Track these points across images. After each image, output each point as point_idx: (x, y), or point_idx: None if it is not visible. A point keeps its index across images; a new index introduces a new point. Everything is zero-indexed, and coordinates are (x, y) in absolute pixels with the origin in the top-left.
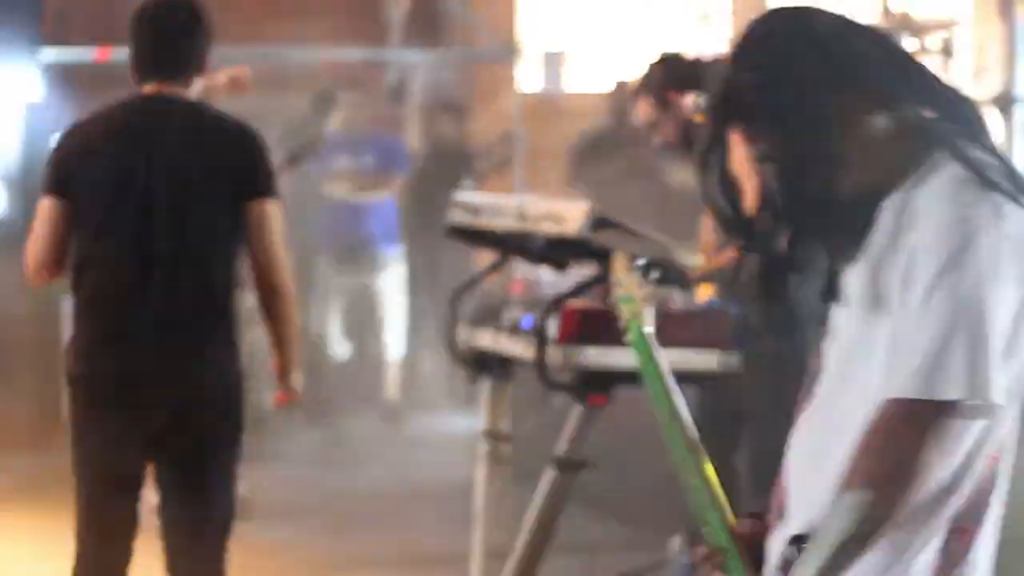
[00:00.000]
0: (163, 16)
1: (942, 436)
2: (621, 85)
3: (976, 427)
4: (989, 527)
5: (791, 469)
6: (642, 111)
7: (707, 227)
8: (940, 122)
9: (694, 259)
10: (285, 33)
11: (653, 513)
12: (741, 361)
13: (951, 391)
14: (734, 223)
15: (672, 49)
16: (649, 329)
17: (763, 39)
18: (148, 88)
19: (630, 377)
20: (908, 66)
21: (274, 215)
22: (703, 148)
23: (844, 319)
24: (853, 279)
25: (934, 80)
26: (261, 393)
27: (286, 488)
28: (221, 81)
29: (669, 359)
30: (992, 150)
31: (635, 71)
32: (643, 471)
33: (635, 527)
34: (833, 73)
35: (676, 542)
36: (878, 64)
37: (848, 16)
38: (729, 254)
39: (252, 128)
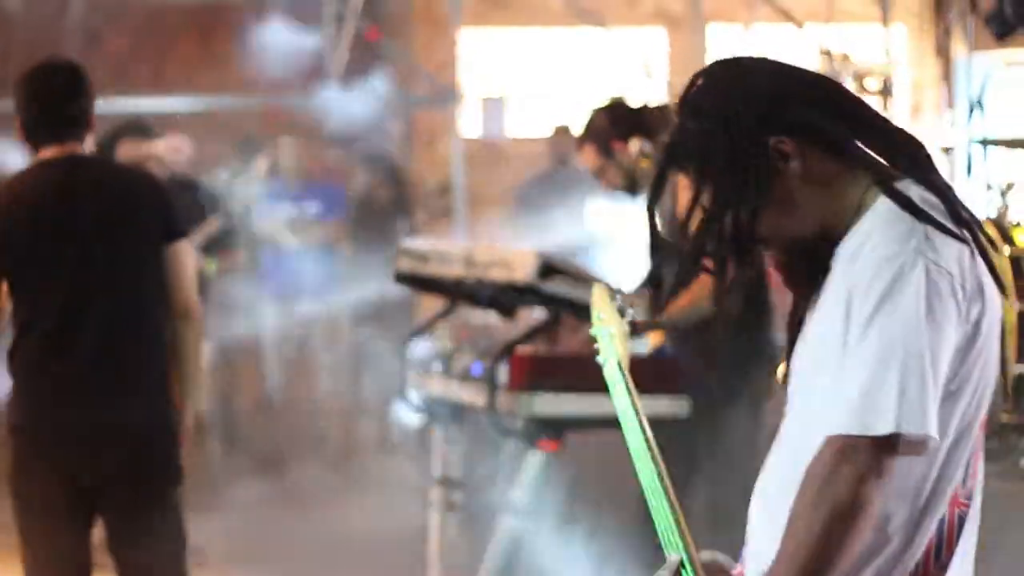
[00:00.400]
0: (46, 81)
1: (881, 473)
2: (560, 130)
3: (929, 464)
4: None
5: (750, 520)
6: (587, 158)
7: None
8: (881, 161)
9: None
10: (223, 80)
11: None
12: (691, 406)
13: (883, 425)
14: (683, 264)
15: (615, 96)
16: (625, 363)
17: (705, 88)
18: (48, 152)
19: (581, 423)
20: (849, 108)
21: (188, 253)
22: (649, 193)
23: (801, 356)
24: (812, 314)
25: (876, 120)
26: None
27: (238, 536)
28: (159, 150)
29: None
30: (937, 187)
31: (575, 116)
32: (596, 517)
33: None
34: (770, 121)
35: None
36: (816, 108)
37: (787, 63)
38: (680, 302)
39: (154, 175)
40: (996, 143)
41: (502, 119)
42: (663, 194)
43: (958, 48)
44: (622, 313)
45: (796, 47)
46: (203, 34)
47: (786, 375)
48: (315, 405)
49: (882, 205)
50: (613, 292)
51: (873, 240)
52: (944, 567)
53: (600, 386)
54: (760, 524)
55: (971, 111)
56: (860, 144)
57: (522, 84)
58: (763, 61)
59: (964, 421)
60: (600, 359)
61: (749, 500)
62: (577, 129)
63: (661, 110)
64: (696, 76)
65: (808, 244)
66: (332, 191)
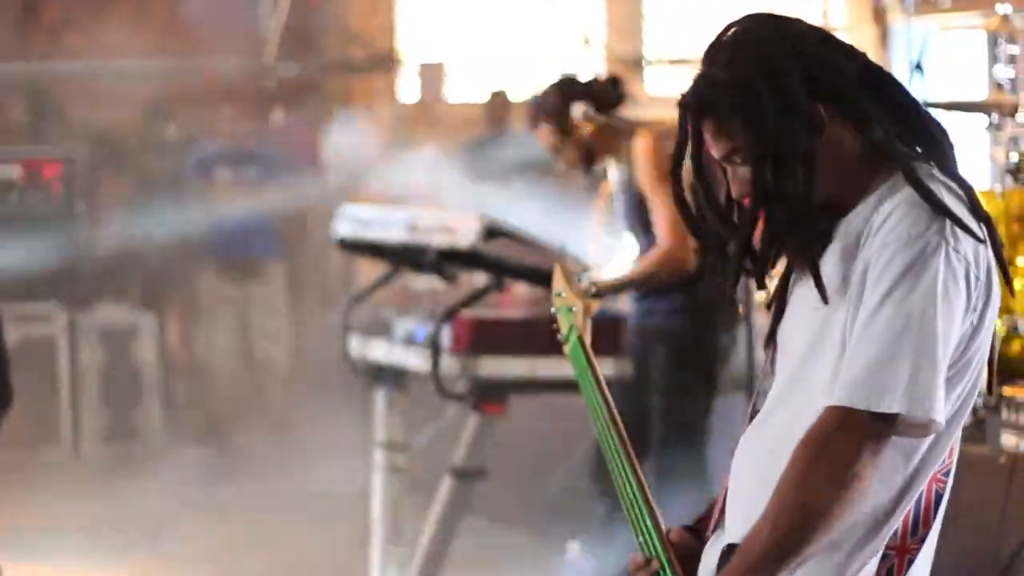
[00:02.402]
0: None
1: (879, 449)
2: (497, 95)
3: (916, 444)
4: (928, 550)
5: (733, 479)
6: (543, 137)
7: (599, 217)
8: (904, 145)
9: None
10: (160, 46)
11: (547, 521)
12: (636, 368)
13: (891, 404)
14: (703, 222)
15: (565, 73)
16: (587, 339)
17: (739, 39)
18: None
19: (525, 386)
20: (881, 85)
21: None
22: (676, 144)
23: (794, 330)
24: (806, 288)
25: (907, 101)
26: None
27: (177, 504)
28: None
29: (563, 368)
30: (954, 175)
31: (512, 81)
32: (536, 480)
33: (528, 535)
34: (810, 81)
35: (574, 548)
36: (852, 80)
37: (825, 29)
38: (645, 266)
39: None
40: (935, 106)
41: (441, 84)
42: (690, 146)
43: (895, 13)
44: (584, 290)
45: (734, 12)
46: (140, 1)
47: (770, 340)
48: (255, 370)
49: (905, 190)
50: (573, 269)
51: (895, 219)
52: (921, 541)
53: (544, 349)
54: (745, 486)
55: (910, 76)
56: (888, 123)
57: (461, 49)
58: (798, 21)
59: (955, 407)
60: (561, 337)
61: (703, 463)
62: (514, 95)
63: (612, 83)
64: (728, 27)
65: (815, 215)
66: (272, 156)
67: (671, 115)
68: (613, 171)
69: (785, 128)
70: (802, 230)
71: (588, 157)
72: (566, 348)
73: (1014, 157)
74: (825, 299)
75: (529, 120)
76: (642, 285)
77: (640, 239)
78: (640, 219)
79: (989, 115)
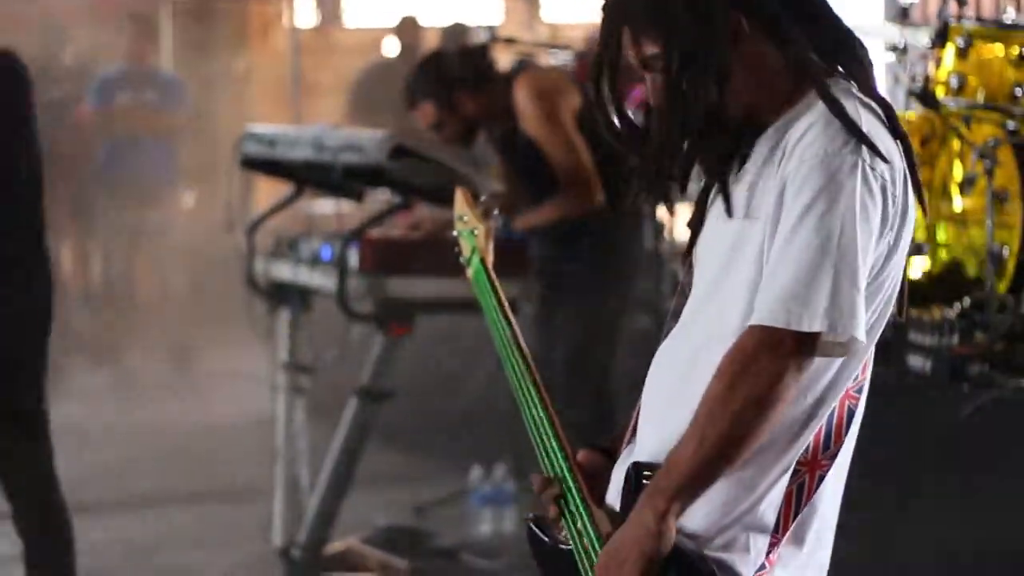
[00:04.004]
0: None
1: (801, 367)
2: (407, 21)
3: (835, 363)
4: (840, 467)
5: (646, 397)
6: (425, 115)
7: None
8: (824, 61)
9: (495, 186)
10: None
11: (450, 445)
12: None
13: (813, 322)
14: (621, 134)
15: (437, 50)
16: (490, 262)
17: None
18: None
19: (432, 306)
20: (803, 1)
21: None
22: (596, 53)
23: (711, 245)
24: (720, 204)
25: (827, 16)
26: None
27: (75, 426)
28: None
29: (468, 288)
30: (872, 92)
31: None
32: (438, 403)
33: (432, 459)
34: None
35: (475, 472)
36: None
37: None
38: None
39: None
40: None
41: (337, 9)
42: (609, 55)
43: None
44: (486, 213)
45: None
46: None
47: (687, 254)
48: (152, 295)
49: (821, 107)
50: (476, 194)
51: (812, 136)
52: (832, 456)
53: (451, 269)
54: (658, 404)
55: None
56: (808, 39)
57: None
58: None
59: (869, 325)
60: (463, 260)
61: (606, 382)
62: (424, 19)
63: (481, 51)
64: None
65: (729, 127)
66: (173, 81)
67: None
68: (497, 139)
69: (701, 36)
70: (715, 142)
71: (470, 132)
72: (468, 271)
73: (918, 81)
74: (729, 212)
75: (407, 100)
76: (552, 224)
77: (540, 193)
78: (537, 172)
79: (894, 39)
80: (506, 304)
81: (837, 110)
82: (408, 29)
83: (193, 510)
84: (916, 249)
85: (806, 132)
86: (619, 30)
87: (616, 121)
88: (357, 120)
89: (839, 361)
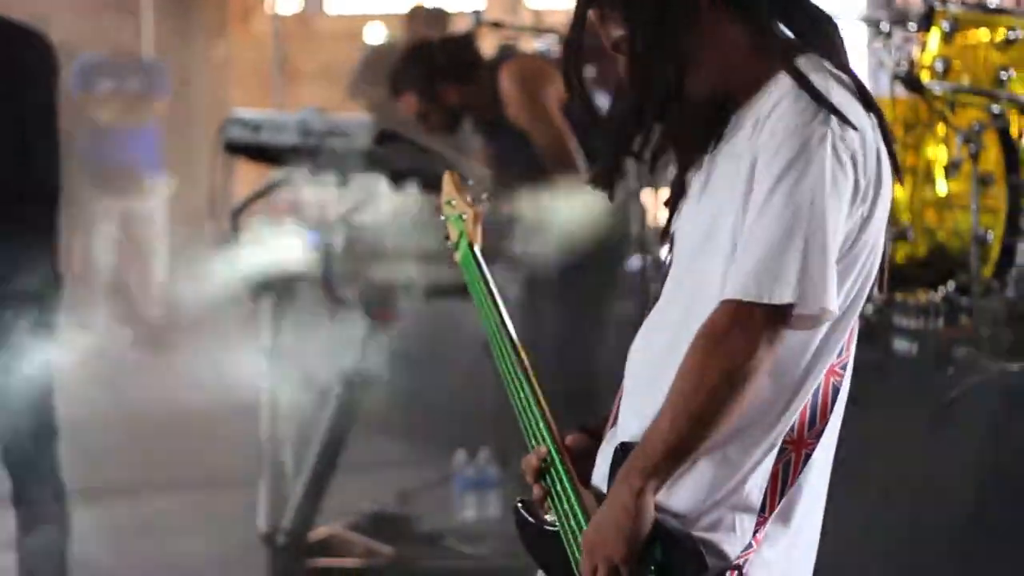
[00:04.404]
0: None
1: (773, 341)
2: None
3: (810, 336)
4: (826, 446)
5: (628, 377)
6: (408, 105)
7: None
8: (793, 37)
9: (483, 172)
10: None
11: (433, 430)
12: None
13: (783, 294)
14: (590, 115)
15: (420, 41)
16: (478, 246)
17: None
18: None
19: (416, 292)
20: None
21: None
22: (568, 32)
23: (687, 225)
24: (696, 183)
25: None
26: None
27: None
28: None
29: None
30: (844, 66)
31: None
32: (421, 388)
33: (415, 444)
34: None
35: (459, 458)
36: None
37: None
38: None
39: None
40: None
41: None
42: (579, 33)
43: None
44: (475, 198)
45: None
46: None
47: (665, 235)
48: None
49: (789, 83)
50: (464, 177)
51: (781, 110)
52: (818, 435)
53: (435, 255)
54: (640, 383)
55: None
56: (776, 15)
57: None
58: None
59: (848, 300)
60: (451, 244)
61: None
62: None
63: (466, 40)
64: None
65: (700, 107)
66: (157, 68)
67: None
68: (482, 126)
69: (661, 18)
70: (679, 124)
71: (454, 121)
72: (456, 256)
73: (903, 65)
74: (701, 192)
75: (391, 90)
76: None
77: (526, 180)
78: (522, 158)
79: (879, 23)
80: (495, 288)
81: (804, 83)
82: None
83: (177, 496)
84: (901, 234)
85: (775, 106)
86: (586, 13)
87: (581, 104)
88: (359, 101)
89: (820, 336)
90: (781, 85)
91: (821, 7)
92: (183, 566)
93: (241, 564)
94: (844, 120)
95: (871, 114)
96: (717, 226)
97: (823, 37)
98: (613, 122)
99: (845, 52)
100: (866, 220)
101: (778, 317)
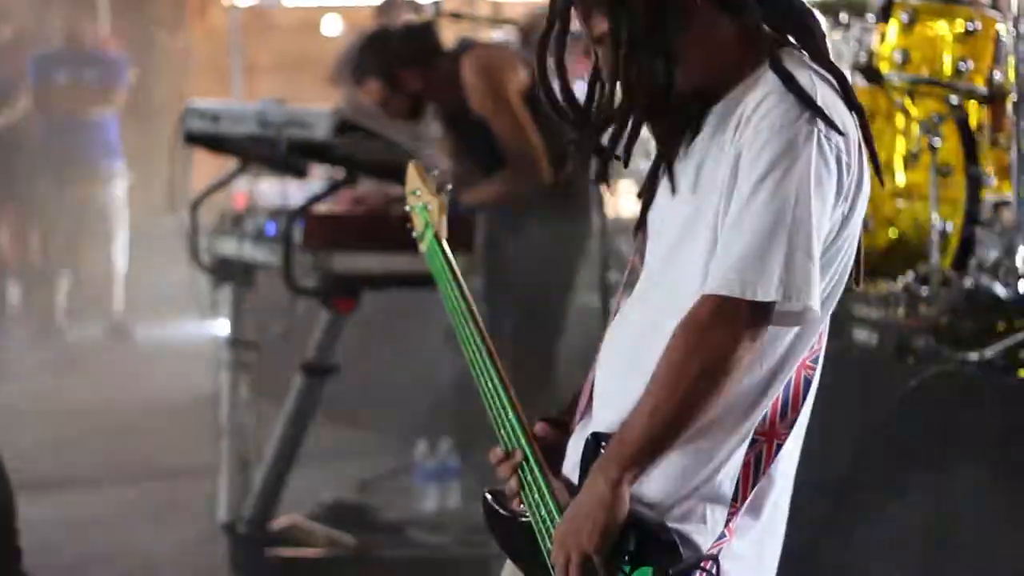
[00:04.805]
0: None
1: (755, 337)
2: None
3: (785, 331)
4: (796, 437)
5: (601, 368)
6: (371, 92)
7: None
8: (774, 32)
9: (444, 163)
10: None
11: (394, 420)
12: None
13: (767, 292)
14: (566, 110)
15: (378, 27)
16: (443, 236)
17: None
18: None
19: (377, 281)
20: None
21: None
22: (544, 29)
23: (665, 217)
24: (677, 174)
25: None
26: None
27: (15, 404)
28: None
29: (415, 264)
30: (826, 62)
31: None
32: (382, 378)
33: (377, 434)
34: None
35: (420, 448)
36: None
37: None
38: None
39: None
40: None
41: None
42: (561, 39)
43: None
44: (439, 188)
45: None
46: None
47: (640, 226)
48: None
49: (774, 79)
50: (427, 168)
51: (767, 106)
52: (789, 426)
53: (396, 244)
54: (614, 374)
55: None
56: (760, 10)
57: None
58: None
59: (825, 295)
60: (416, 235)
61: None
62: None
63: (426, 28)
64: None
65: (680, 103)
66: (114, 59)
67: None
68: (443, 116)
69: (650, 15)
70: (664, 118)
71: (416, 108)
72: (422, 246)
73: (862, 56)
74: (674, 188)
75: (353, 77)
76: (499, 202)
77: (488, 170)
78: (484, 148)
79: (838, 14)
80: (461, 278)
81: (790, 82)
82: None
83: (138, 487)
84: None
85: (761, 103)
86: (568, 7)
87: (560, 97)
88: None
89: (795, 331)
90: (766, 81)
91: (804, 3)
92: (144, 555)
93: (202, 554)
94: (830, 123)
95: (852, 112)
96: (698, 220)
97: (804, 30)
98: (589, 117)
99: (825, 45)
100: (846, 218)
101: (761, 314)
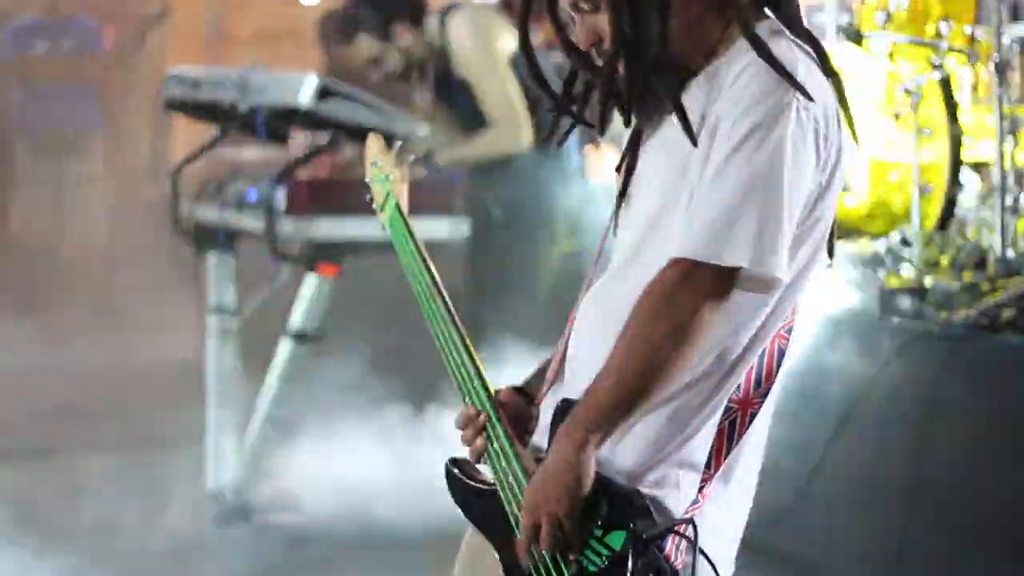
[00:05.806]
0: None
1: (721, 303)
2: None
3: (762, 301)
4: (769, 406)
5: (576, 336)
6: (363, 48)
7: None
8: (753, 5)
9: (422, 128)
10: None
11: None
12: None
13: (735, 257)
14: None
15: None
16: (405, 206)
17: None
18: None
19: (360, 247)
20: None
21: None
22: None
23: (643, 191)
24: (657, 145)
25: None
26: None
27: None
28: None
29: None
30: (803, 32)
31: None
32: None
33: (367, 398)
34: None
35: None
36: None
37: None
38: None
39: None
40: None
41: None
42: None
43: None
44: (401, 159)
45: None
46: None
47: (622, 196)
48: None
49: (751, 52)
50: (388, 140)
51: (747, 77)
52: (763, 395)
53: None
54: (590, 342)
55: None
56: None
57: None
58: None
59: (801, 266)
60: (376, 206)
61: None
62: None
63: None
64: None
65: (668, 70)
66: (90, 27)
67: None
68: (429, 77)
69: None
70: (648, 86)
71: (407, 66)
72: (382, 217)
73: (845, 18)
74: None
75: (343, 35)
76: (479, 161)
77: (472, 133)
78: (469, 111)
79: None
80: (423, 249)
81: (767, 53)
82: None
83: (125, 455)
84: (844, 186)
85: (740, 74)
86: None
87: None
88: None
89: (773, 300)
90: (746, 53)
91: None
92: (130, 525)
93: (189, 522)
94: (807, 94)
95: (829, 79)
96: (676, 191)
97: (782, 2)
98: (572, 84)
99: (801, 17)
100: (824, 189)
101: (726, 280)
